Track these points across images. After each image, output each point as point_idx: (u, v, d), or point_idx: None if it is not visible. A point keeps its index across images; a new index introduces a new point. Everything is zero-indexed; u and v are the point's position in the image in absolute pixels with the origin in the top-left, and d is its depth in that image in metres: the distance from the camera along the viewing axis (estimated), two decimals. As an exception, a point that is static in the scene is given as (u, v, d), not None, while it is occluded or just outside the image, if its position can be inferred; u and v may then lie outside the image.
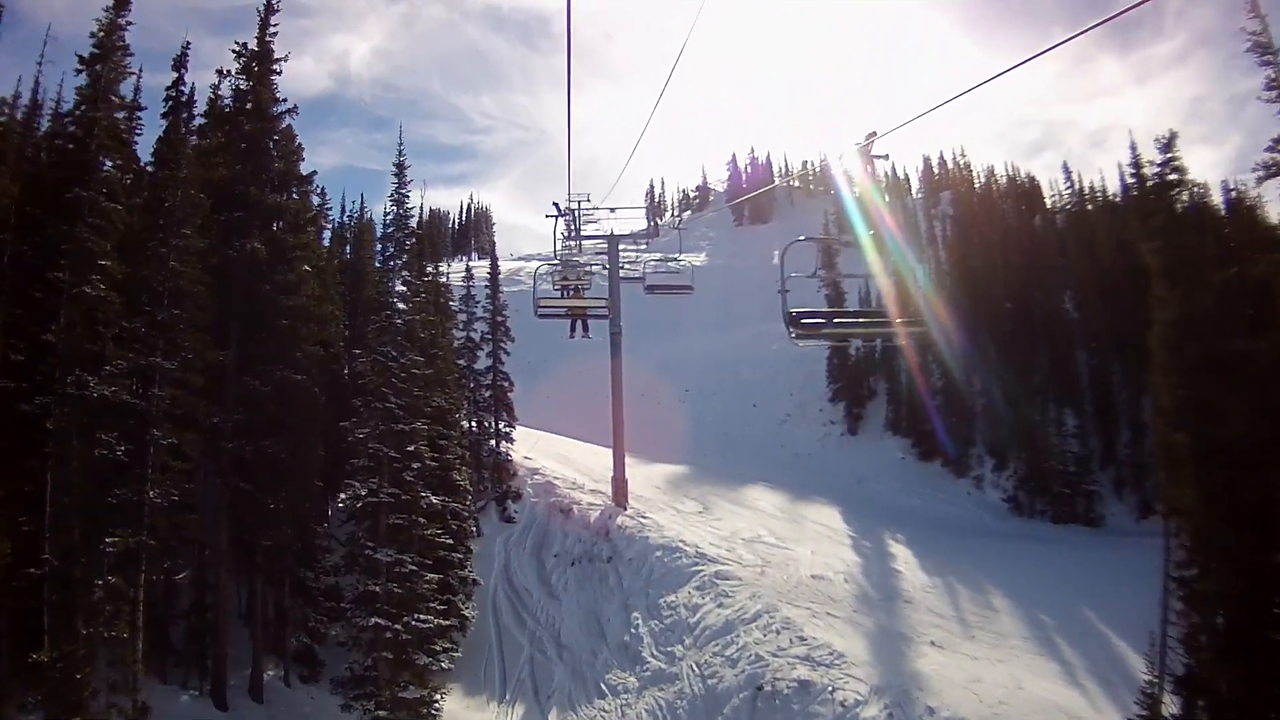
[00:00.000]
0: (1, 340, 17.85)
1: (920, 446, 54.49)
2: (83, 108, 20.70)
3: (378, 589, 21.41)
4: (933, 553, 34.21)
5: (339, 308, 34.27)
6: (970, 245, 60.45)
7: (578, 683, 25.08)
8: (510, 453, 38.53)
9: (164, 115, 25.86)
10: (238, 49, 26.31)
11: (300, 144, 27.83)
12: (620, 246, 35.41)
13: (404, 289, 29.92)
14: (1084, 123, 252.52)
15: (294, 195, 27.60)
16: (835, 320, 12.73)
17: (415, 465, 23.53)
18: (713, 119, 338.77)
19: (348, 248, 47.69)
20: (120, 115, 22.26)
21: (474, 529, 32.42)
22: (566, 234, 33.22)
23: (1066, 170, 75.67)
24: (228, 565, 23.41)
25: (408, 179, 29.71)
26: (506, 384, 39.78)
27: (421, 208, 67.75)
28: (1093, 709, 21.39)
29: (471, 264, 52.62)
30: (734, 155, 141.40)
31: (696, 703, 22.22)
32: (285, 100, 27.01)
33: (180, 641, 22.46)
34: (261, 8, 26.44)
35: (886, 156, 11.09)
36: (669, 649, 24.73)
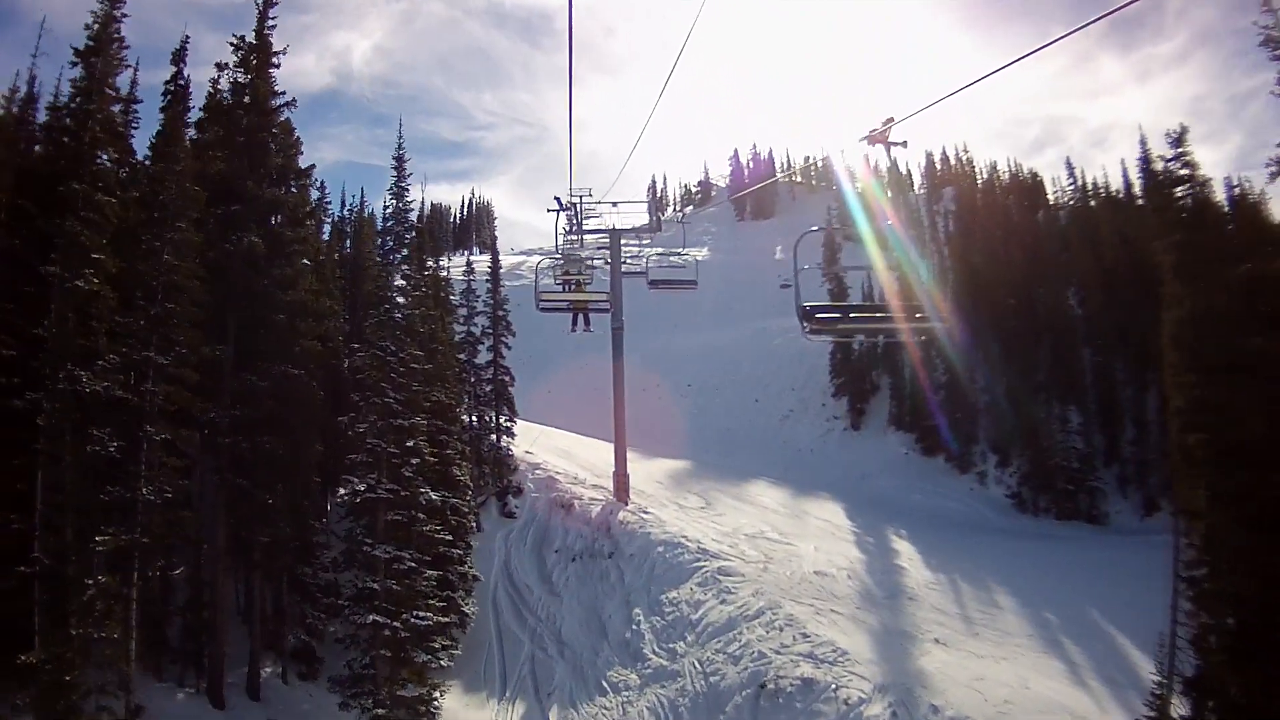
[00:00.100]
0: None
1: (923, 442, 54.36)
2: (78, 100, 20.46)
3: (376, 586, 21.20)
4: (936, 549, 34.05)
5: (338, 302, 34.00)
6: (973, 241, 60.21)
7: (578, 680, 24.88)
8: (511, 447, 38.29)
9: (162, 110, 25.62)
10: (235, 42, 26.06)
11: (299, 137, 27.61)
12: (622, 241, 35.18)
13: (403, 283, 29.69)
14: (1085, 121, 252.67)
15: (292, 189, 27.33)
16: (851, 315, 12.37)
17: (414, 461, 23.31)
18: (715, 114, 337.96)
19: (347, 242, 47.47)
20: (116, 109, 22.03)
21: (474, 524, 32.19)
22: (568, 228, 32.98)
23: (1069, 166, 75.25)
24: (225, 562, 23.20)
25: (407, 172, 29.59)
26: (507, 378, 39.55)
27: (423, 203, 67.72)
28: (1098, 709, 21.19)
29: (472, 258, 52.29)
30: (736, 150, 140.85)
31: (699, 700, 22.01)
32: (284, 93, 26.75)
33: (177, 639, 22.21)
34: (260, 1, 26.19)
35: (905, 144, 10.71)
36: (671, 646, 24.53)
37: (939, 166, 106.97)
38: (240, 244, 23.69)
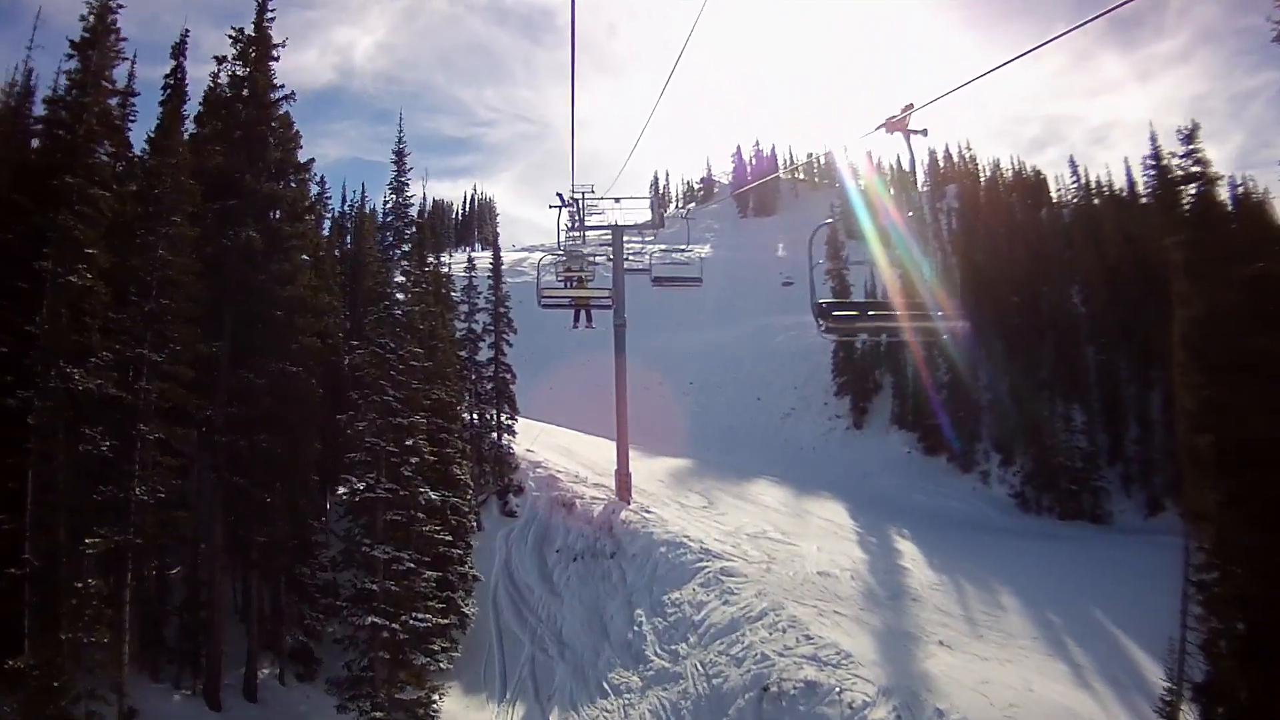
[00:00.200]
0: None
1: (926, 441, 54.12)
2: (73, 93, 20.19)
3: (374, 587, 20.96)
4: (939, 549, 33.85)
5: (338, 298, 33.81)
6: (976, 239, 59.94)
7: (579, 682, 24.64)
8: (512, 446, 38.08)
9: (161, 104, 25.39)
10: (234, 34, 25.78)
11: (298, 131, 27.27)
12: (625, 238, 34.92)
13: (403, 279, 29.45)
14: (1086, 119, 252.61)
15: (291, 183, 27.07)
16: (869, 313, 11.95)
17: (414, 460, 23.05)
18: (717, 112, 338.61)
19: (348, 238, 47.27)
20: (113, 102, 21.75)
21: (474, 524, 31.96)
22: (570, 225, 32.73)
23: (1072, 165, 75.07)
24: (222, 561, 22.97)
25: (407, 167, 29.34)
26: (508, 376, 39.32)
27: (424, 198, 67.54)
28: (1104, 713, 21.02)
29: (474, 255, 52.11)
30: (738, 147, 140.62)
31: (701, 703, 21.78)
32: (283, 86, 26.45)
33: (173, 639, 22.01)
34: (260, -8, 25.95)
35: (925, 131, 10.35)
36: (673, 647, 24.30)
37: (942, 164, 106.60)
38: (237, 239, 23.45)
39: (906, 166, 13.59)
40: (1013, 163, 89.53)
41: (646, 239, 36.00)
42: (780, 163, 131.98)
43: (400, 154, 29.36)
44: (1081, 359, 50.20)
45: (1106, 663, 24.10)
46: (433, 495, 24.10)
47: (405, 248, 32.13)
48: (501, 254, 46.31)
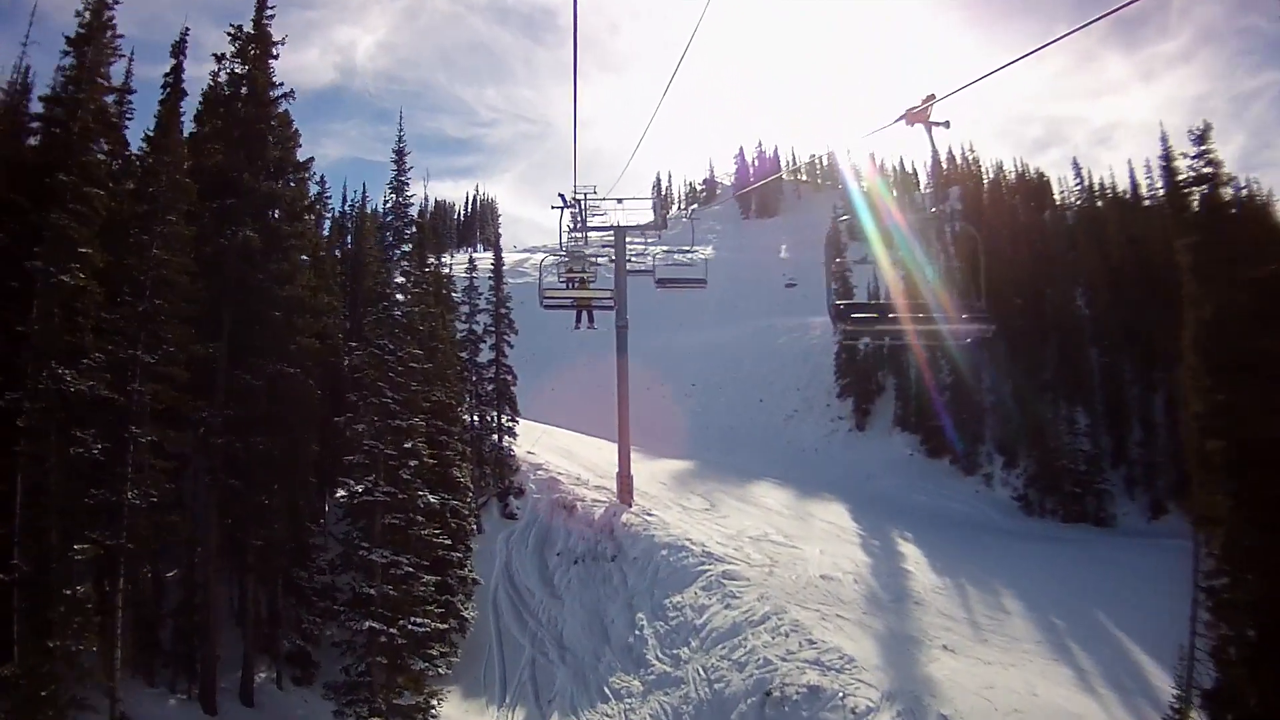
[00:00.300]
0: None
1: (928, 443, 53.96)
2: (69, 89, 19.97)
3: (372, 591, 20.73)
4: (942, 552, 33.68)
5: (338, 299, 33.60)
6: (967, 241, 59.71)
7: (580, 686, 24.45)
8: (513, 447, 37.89)
9: (161, 103, 25.21)
10: (233, 32, 25.58)
11: (297, 130, 27.02)
12: (627, 239, 34.74)
13: (403, 280, 29.27)
14: (1088, 120, 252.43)
15: (290, 182, 26.83)
16: (891, 315, 11.46)
17: (412, 463, 22.81)
18: (719, 113, 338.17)
19: (348, 238, 47.08)
20: (110, 99, 21.49)
21: (474, 526, 31.77)
22: (572, 225, 32.58)
23: (1076, 166, 75.08)
24: (218, 564, 22.71)
25: (407, 166, 29.10)
26: (509, 377, 39.12)
27: (425, 199, 67.37)
28: (1109, 718, 20.87)
29: (475, 255, 51.94)
30: (741, 149, 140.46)
31: (703, 708, 21.63)
32: (282, 85, 26.22)
33: (169, 642, 21.80)
34: (260, -12, 25.76)
35: (948, 124, 10.03)
36: (674, 651, 24.12)
37: (945, 165, 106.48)
38: (235, 238, 23.22)
39: (928, 160, 13.22)
40: (1016, 164, 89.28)
41: (649, 240, 35.83)
42: (783, 164, 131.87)
43: (400, 153, 29.17)
44: (1085, 361, 50.10)
45: (1111, 667, 23.96)
46: (432, 498, 23.89)
47: (405, 248, 31.93)
48: (503, 254, 46.21)
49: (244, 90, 25.50)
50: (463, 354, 37.57)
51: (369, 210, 52.08)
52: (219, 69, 26.07)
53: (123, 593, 17.86)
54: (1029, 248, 55.82)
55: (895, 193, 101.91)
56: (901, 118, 9.76)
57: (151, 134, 24.48)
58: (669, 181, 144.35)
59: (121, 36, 20.51)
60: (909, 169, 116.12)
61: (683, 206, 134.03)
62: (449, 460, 28.66)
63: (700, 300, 63.82)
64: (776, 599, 25.06)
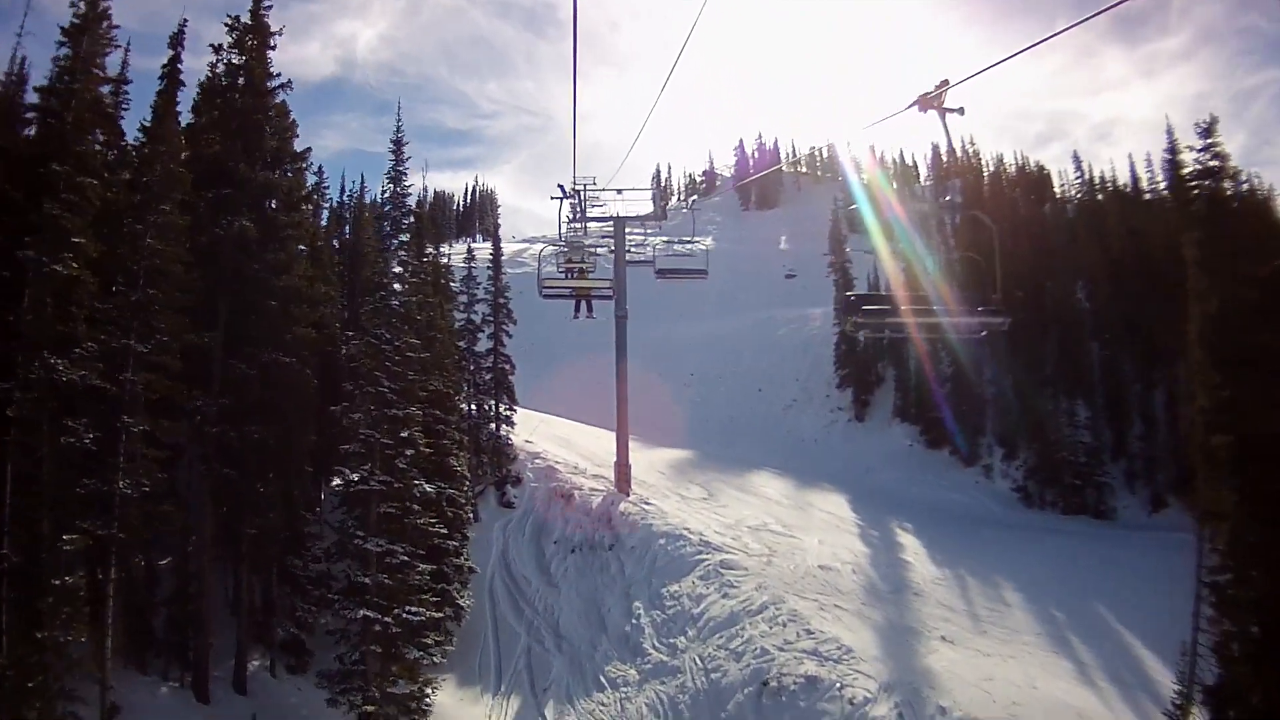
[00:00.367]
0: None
1: (928, 434, 53.94)
2: (64, 80, 19.81)
3: (367, 580, 20.65)
4: (941, 543, 33.61)
5: (335, 288, 33.46)
6: (979, 233, 59.56)
7: (576, 675, 24.37)
8: (510, 436, 37.78)
9: (159, 94, 25.02)
10: (230, 22, 25.41)
11: (294, 120, 26.97)
12: (627, 230, 34.58)
13: (400, 269, 29.14)
14: (1088, 116, 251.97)
15: (287, 172, 26.69)
16: (902, 308, 11.17)
17: (409, 452, 22.71)
18: (719, 105, 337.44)
19: (347, 228, 46.90)
20: (105, 90, 21.31)
21: (471, 515, 31.67)
22: (572, 215, 32.45)
23: (1076, 160, 74.93)
24: (212, 553, 22.67)
25: (406, 156, 28.98)
26: (507, 366, 38.96)
27: (424, 189, 67.05)
28: (1108, 711, 20.76)
29: (474, 246, 51.69)
30: (741, 140, 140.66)
31: (699, 697, 21.53)
32: (279, 75, 26.13)
33: (162, 631, 21.72)
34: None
35: (962, 110, 9.81)
36: (671, 641, 24.03)
37: (945, 158, 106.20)
38: (231, 228, 23.08)
39: (928, 153, 13.00)
40: (1016, 158, 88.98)
41: (649, 231, 35.68)
42: (783, 155, 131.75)
43: (398, 143, 29.05)
44: (1085, 354, 50.06)
45: (1110, 660, 23.87)
46: (428, 487, 23.78)
47: (403, 238, 31.80)
48: (502, 245, 46.04)
49: (241, 81, 25.50)
50: (461, 343, 37.42)
51: (367, 201, 51.90)
52: (216, 60, 25.94)
53: (114, 582, 17.77)
54: (1029, 241, 55.56)
55: (895, 185, 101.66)
56: (915, 103, 9.54)
57: (148, 124, 24.31)
58: (668, 173, 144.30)
59: (117, 27, 20.49)
60: (909, 161, 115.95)
61: (682, 198, 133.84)
62: (446, 449, 28.55)
63: (700, 291, 63.67)
64: (774, 589, 24.98)
